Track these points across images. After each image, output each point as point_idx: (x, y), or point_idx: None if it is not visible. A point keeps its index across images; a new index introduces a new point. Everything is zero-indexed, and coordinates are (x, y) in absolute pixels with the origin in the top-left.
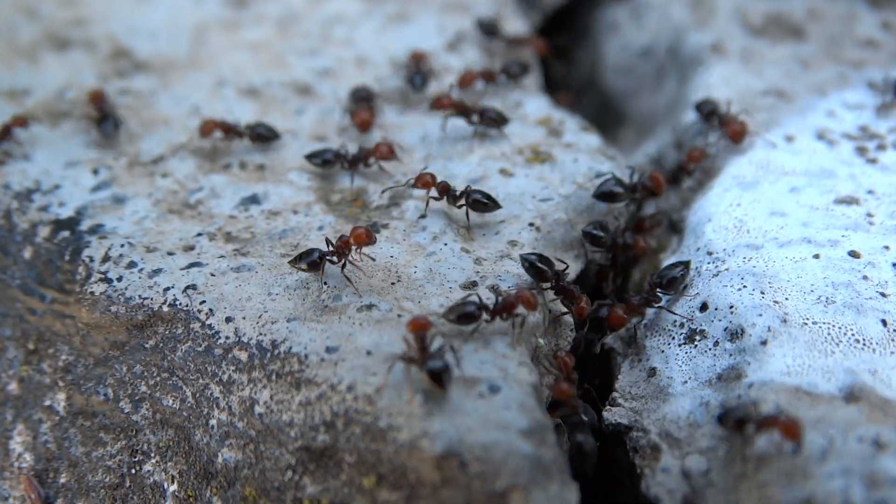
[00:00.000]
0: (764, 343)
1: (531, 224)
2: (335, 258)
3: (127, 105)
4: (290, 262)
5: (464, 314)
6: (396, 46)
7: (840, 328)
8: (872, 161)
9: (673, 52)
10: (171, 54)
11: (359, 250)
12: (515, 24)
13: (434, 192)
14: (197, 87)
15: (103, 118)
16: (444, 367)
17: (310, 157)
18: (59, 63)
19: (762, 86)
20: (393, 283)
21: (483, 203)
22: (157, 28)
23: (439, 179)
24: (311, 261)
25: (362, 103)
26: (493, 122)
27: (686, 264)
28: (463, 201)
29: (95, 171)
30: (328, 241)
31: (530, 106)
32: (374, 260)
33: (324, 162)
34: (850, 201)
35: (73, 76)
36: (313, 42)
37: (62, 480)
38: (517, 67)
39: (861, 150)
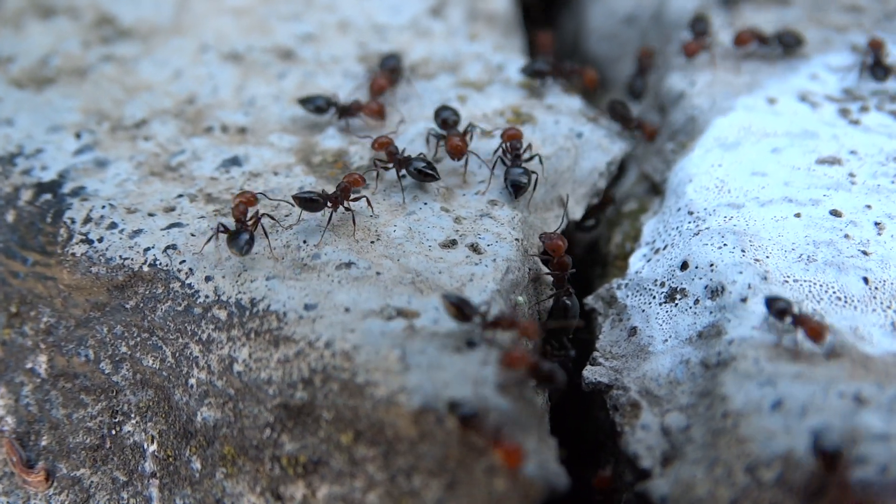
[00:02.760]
0: (744, 300)
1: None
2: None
3: (110, 72)
4: (293, 196)
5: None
6: (379, 11)
7: (821, 286)
8: (855, 122)
9: (657, 18)
10: (155, 20)
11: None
12: None
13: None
14: (180, 52)
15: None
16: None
17: (303, 101)
18: (43, 30)
19: (744, 49)
20: (372, 242)
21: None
22: None
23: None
24: (310, 198)
25: (386, 71)
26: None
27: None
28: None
29: (78, 135)
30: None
31: (512, 68)
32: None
33: (316, 108)
34: (832, 161)
35: (58, 43)
36: (296, 7)
37: (43, 443)
38: (792, 38)
39: (844, 112)
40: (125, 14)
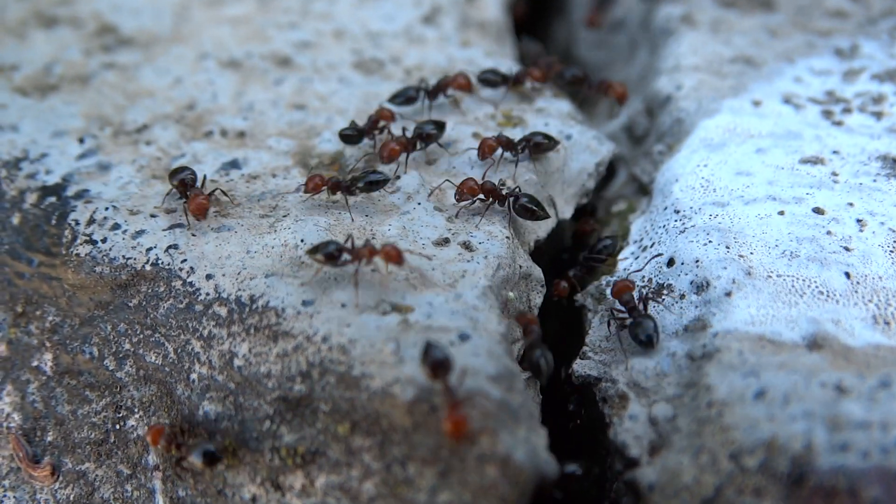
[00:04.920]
0: (728, 294)
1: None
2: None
3: (112, 79)
4: (307, 252)
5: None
6: (373, 19)
7: (804, 280)
8: (838, 123)
9: (644, 24)
10: (155, 30)
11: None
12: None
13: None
14: (180, 60)
15: None
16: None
17: (393, 97)
18: (46, 39)
19: (730, 53)
20: (367, 242)
21: (526, 209)
22: (141, 5)
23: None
24: (327, 252)
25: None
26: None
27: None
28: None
29: (81, 140)
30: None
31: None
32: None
33: (407, 99)
34: (815, 161)
35: (60, 52)
36: (293, 17)
37: (49, 438)
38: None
39: (827, 114)
40: (126, 23)
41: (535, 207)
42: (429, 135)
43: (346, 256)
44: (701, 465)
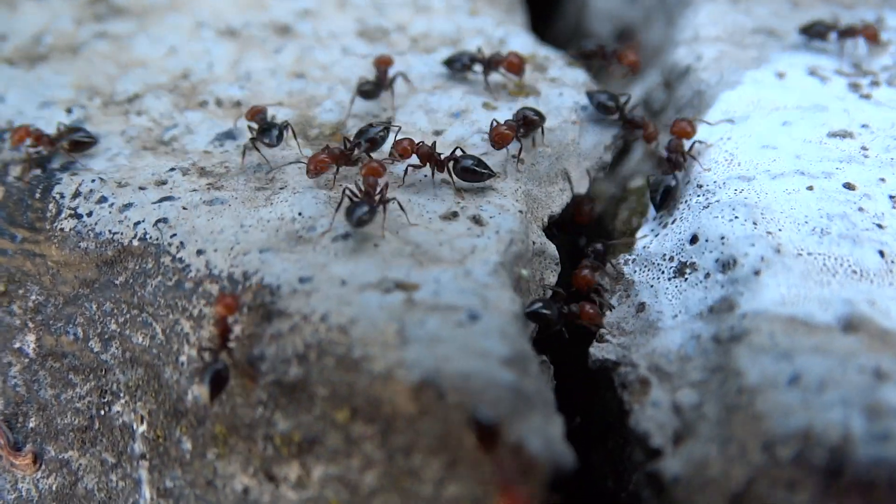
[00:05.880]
0: (757, 273)
1: (514, 156)
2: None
3: (104, 49)
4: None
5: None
6: None
7: (836, 259)
8: (866, 97)
9: None
10: (149, 0)
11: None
12: None
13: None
14: (175, 29)
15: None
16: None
17: (448, 62)
18: (36, 9)
19: (752, 24)
20: (384, 228)
21: (473, 171)
22: None
23: (418, 141)
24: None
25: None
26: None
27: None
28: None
29: (69, 111)
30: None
31: (514, 42)
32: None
33: (462, 66)
34: (843, 135)
35: (51, 22)
36: None
37: (31, 424)
38: None
39: (854, 86)
40: None
41: (477, 168)
42: (373, 140)
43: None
44: (730, 457)
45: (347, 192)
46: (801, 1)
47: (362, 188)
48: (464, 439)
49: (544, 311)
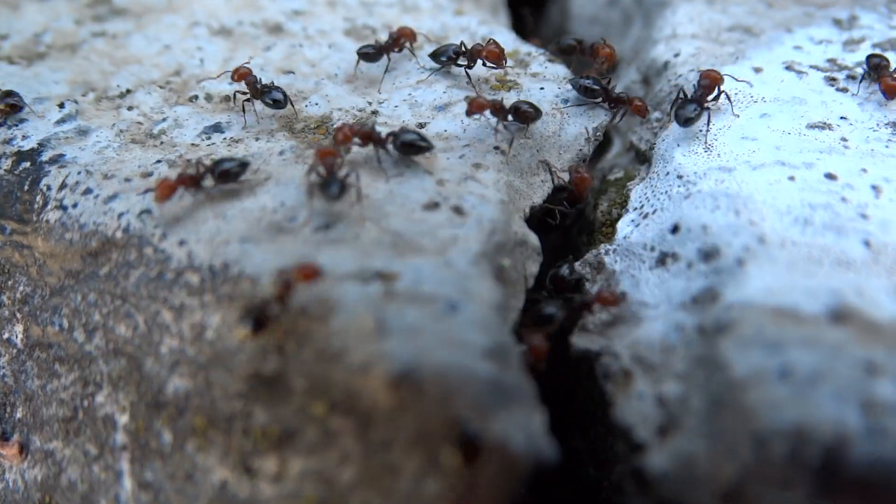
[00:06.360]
0: (741, 263)
1: (496, 147)
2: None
3: (101, 47)
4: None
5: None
6: None
7: (821, 249)
8: (843, 90)
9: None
10: (149, 1)
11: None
12: None
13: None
14: (171, 28)
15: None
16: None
17: (434, 55)
18: (38, 10)
19: (728, 22)
20: (352, 204)
21: (412, 145)
22: None
23: (358, 127)
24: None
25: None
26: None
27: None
28: (391, 145)
29: (62, 105)
30: None
31: (498, 39)
32: None
33: (448, 59)
34: (822, 126)
35: (52, 21)
36: None
37: (18, 415)
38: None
39: (831, 80)
40: None
41: (418, 140)
42: (226, 172)
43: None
44: (719, 453)
45: (313, 177)
46: (776, 1)
47: (323, 172)
48: (443, 437)
49: None
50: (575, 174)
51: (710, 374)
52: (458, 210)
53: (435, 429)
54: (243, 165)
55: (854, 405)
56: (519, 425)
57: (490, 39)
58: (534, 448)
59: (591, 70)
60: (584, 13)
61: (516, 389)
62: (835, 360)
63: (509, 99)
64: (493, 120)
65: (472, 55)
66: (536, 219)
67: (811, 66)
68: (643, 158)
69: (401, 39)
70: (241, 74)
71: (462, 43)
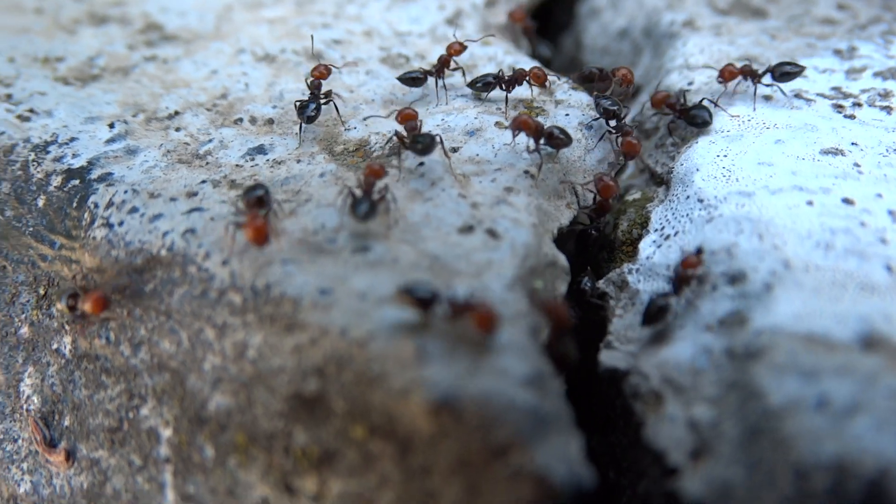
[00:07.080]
0: (769, 287)
1: (526, 172)
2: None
3: (152, 70)
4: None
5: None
6: (401, 21)
7: (845, 273)
8: (851, 117)
9: (647, 31)
10: (198, 28)
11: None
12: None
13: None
14: (218, 54)
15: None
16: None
17: (472, 83)
18: (94, 35)
19: (736, 53)
20: (389, 227)
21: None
22: (188, 7)
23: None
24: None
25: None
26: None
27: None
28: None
29: (111, 126)
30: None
31: (524, 66)
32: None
33: (485, 85)
34: (835, 152)
35: (105, 46)
36: (327, 18)
37: (66, 423)
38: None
39: (838, 107)
40: (171, 22)
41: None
42: (259, 199)
43: None
44: (758, 483)
45: (348, 190)
46: (778, 34)
47: (360, 190)
48: (485, 463)
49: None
50: (600, 182)
51: (743, 401)
52: (492, 233)
53: (475, 456)
54: (268, 192)
55: (894, 436)
56: (559, 455)
57: (535, 65)
58: (573, 475)
59: (613, 91)
60: (596, 44)
61: (555, 417)
62: (871, 390)
63: None
64: (529, 141)
65: (518, 78)
66: (575, 234)
67: (818, 94)
68: (660, 181)
69: (449, 58)
70: (321, 73)
71: (500, 70)
